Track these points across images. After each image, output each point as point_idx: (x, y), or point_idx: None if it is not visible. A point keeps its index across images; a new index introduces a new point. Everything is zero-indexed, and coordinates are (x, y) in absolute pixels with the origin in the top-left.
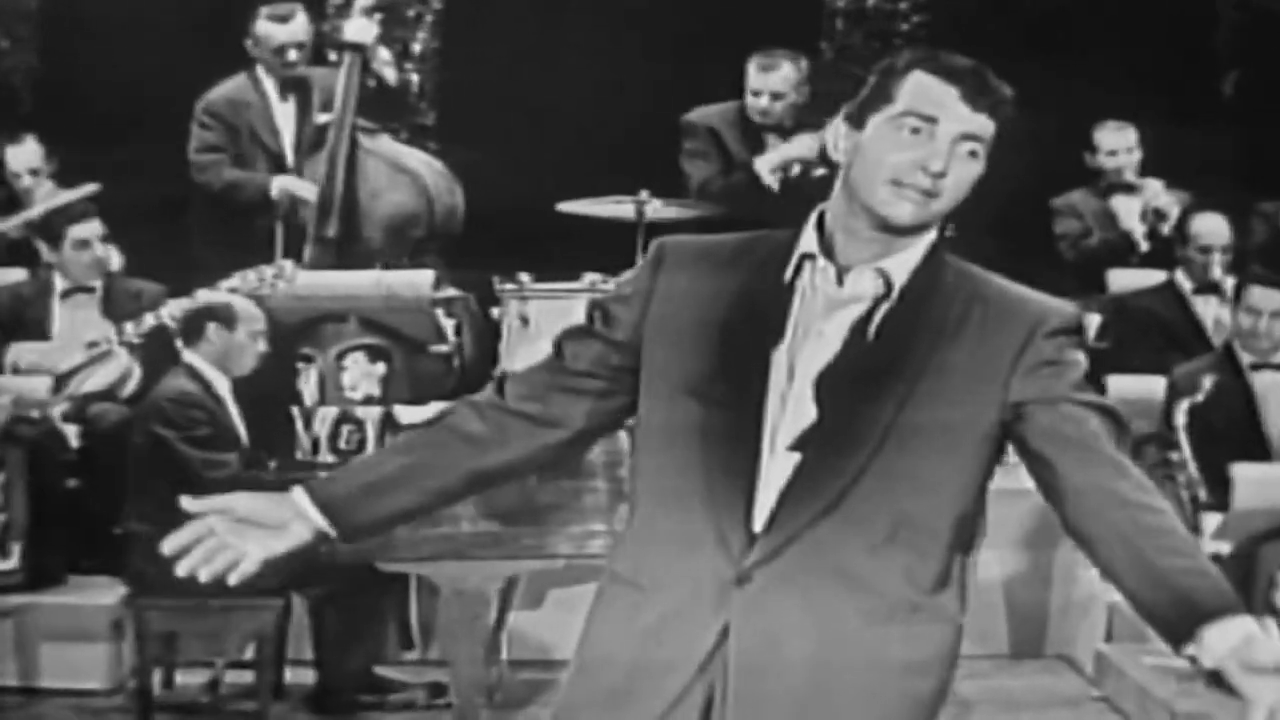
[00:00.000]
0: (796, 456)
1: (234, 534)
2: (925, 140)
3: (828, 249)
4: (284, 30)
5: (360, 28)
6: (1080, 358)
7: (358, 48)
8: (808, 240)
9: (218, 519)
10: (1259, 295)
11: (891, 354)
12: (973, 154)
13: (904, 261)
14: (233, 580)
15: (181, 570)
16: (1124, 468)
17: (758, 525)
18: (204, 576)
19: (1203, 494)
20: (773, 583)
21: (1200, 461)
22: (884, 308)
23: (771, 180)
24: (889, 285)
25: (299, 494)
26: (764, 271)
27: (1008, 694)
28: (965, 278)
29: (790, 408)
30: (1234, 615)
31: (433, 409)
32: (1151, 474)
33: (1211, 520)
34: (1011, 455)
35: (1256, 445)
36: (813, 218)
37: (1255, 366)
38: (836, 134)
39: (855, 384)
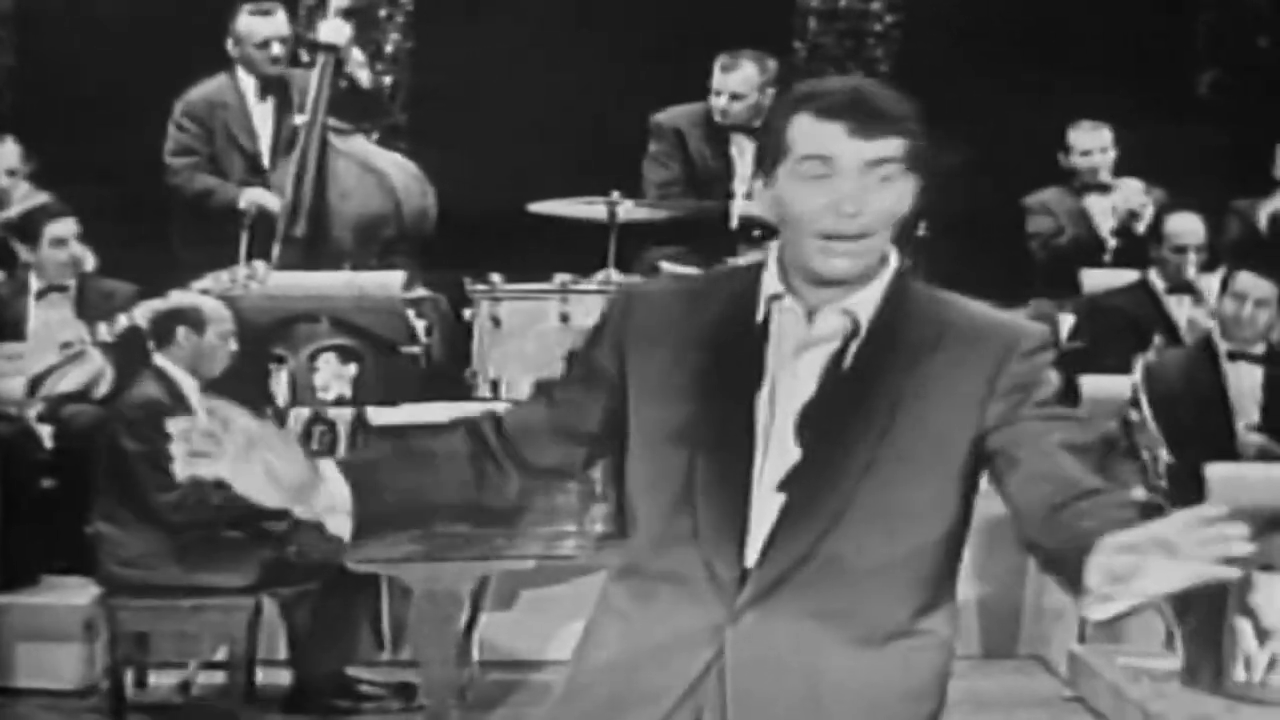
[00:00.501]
0: (783, 497)
1: (242, 456)
2: (831, 182)
3: (791, 288)
4: (267, 24)
5: (334, 29)
6: (1053, 377)
7: (331, 49)
8: (771, 281)
9: (236, 424)
10: (1246, 281)
11: (867, 390)
12: (886, 179)
13: (869, 298)
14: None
15: (174, 436)
16: (1076, 477)
17: (749, 563)
18: (181, 473)
19: (1164, 453)
20: (765, 619)
21: (1171, 454)
22: (854, 346)
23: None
24: (857, 323)
25: (327, 463)
26: (733, 313)
27: (981, 695)
28: (933, 304)
29: (774, 448)
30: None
31: (404, 410)
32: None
33: None
34: None
35: (1227, 439)
36: (772, 256)
37: (1232, 356)
38: (757, 194)
39: (835, 423)
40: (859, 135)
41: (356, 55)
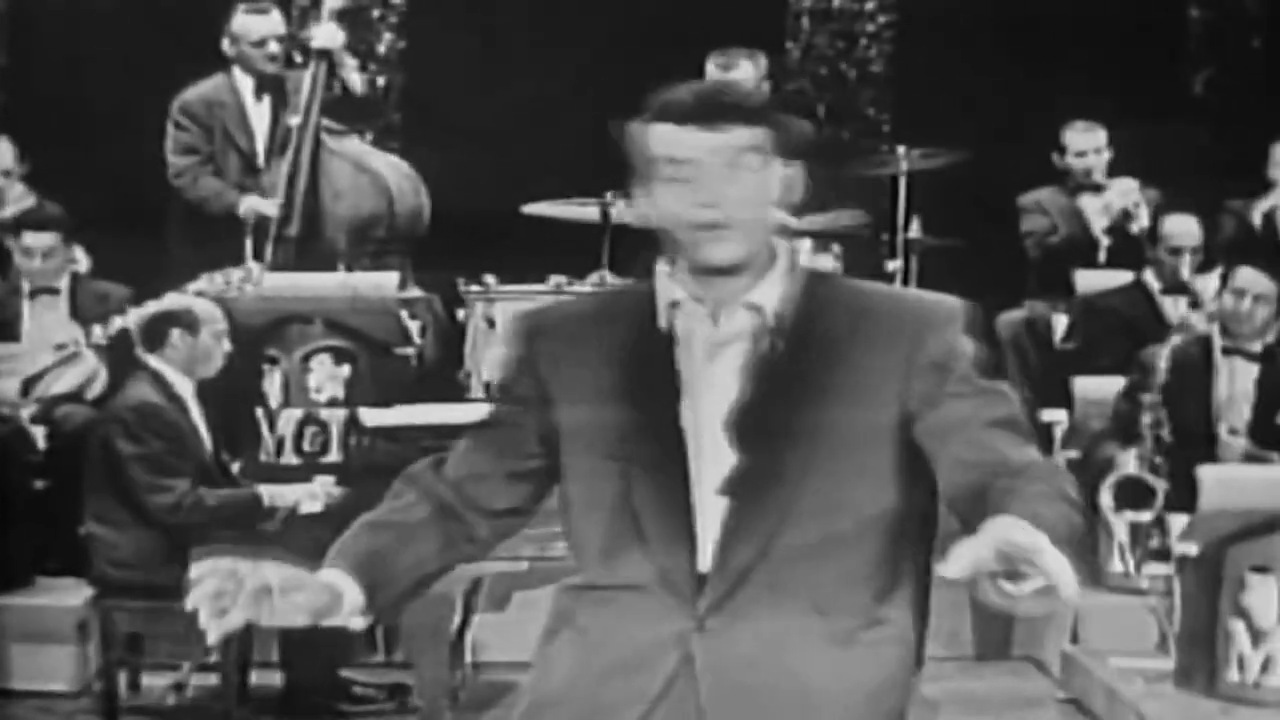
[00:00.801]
0: (726, 500)
1: (253, 598)
2: (689, 179)
3: (692, 292)
4: (263, 23)
5: (328, 34)
6: (968, 348)
7: (324, 54)
8: (668, 287)
9: (250, 577)
10: (1246, 276)
11: (791, 384)
12: (740, 167)
13: (770, 291)
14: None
15: (191, 602)
16: (1002, 442)
17: (701, 568)
18: (213, 637)
19: (1166, 434)
20: (730, 622)
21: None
22: (768, 341)
23: None
24: (763, 317)
25: (338, 579)
26: (638, 326)
27: (974, 695)
28: (840, 291)
29: (707, 454)
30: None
31: (398, 412)
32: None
33: (1178, 522)
34: None
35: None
36: (664, 265)
37: (1227, 351)
38: (636, 205)
39: (765, 421)
40: (705, 129)
41: (349, 60)
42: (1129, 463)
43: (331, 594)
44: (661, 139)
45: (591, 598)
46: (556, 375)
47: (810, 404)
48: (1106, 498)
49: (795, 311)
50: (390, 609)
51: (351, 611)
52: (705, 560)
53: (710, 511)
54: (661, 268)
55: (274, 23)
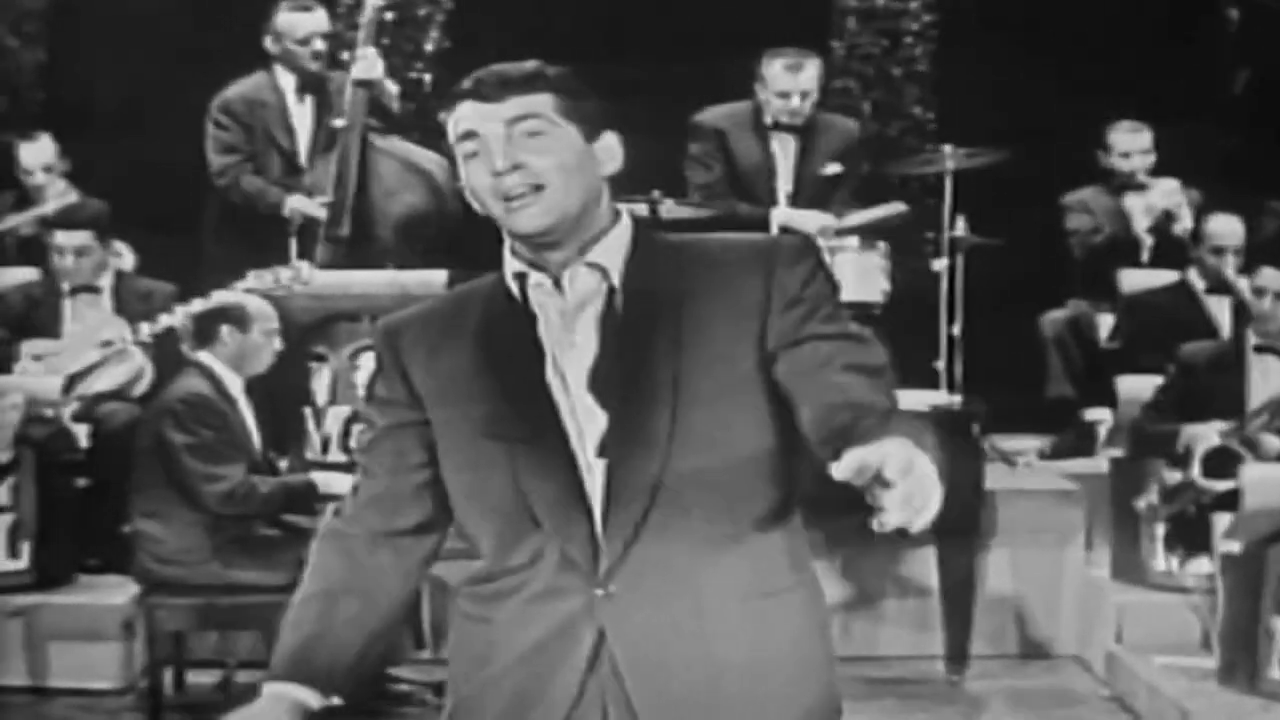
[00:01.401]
0: (604, 462)
1: None
2: (483, 152)
3: (532, 263)
4: (309, 20)
5: (368, 65)
6: (823, 284)
7: (365, 84)
8: (512, 262)
9: None
10: (1269, 276)
11: (647, 338)
12: (533, 133)
13: (612, 249)
14: None
15: None
16: (867, 390)
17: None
18: None
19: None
20: (632, 585)
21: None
22: (617, 300)
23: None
24: (609, 279)
25: (280, 691)
26: (493, 306)
27: (1018, 694)
28: (682, 247)
29: (580, 418)
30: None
31: None
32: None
33: (1221, 520)
34: (1020, 456)
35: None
36: (507, 241)
37: (1259, 349)
38: (460, 189)
39: (627, 378)
40: (491, 101)
41: (390, 89)
42: (1211, 436)
43: (290, 709)
44: (458, 117)
45: (491, 590)
46: (422, 372)
47: (667, 357)
48: (1197, 469)
49: (641, 268)
50: (359, 677)
51: (313, 707)
52: (597, 524)
53: (595, 479)
54: (506, 245)
55: (318, 20)
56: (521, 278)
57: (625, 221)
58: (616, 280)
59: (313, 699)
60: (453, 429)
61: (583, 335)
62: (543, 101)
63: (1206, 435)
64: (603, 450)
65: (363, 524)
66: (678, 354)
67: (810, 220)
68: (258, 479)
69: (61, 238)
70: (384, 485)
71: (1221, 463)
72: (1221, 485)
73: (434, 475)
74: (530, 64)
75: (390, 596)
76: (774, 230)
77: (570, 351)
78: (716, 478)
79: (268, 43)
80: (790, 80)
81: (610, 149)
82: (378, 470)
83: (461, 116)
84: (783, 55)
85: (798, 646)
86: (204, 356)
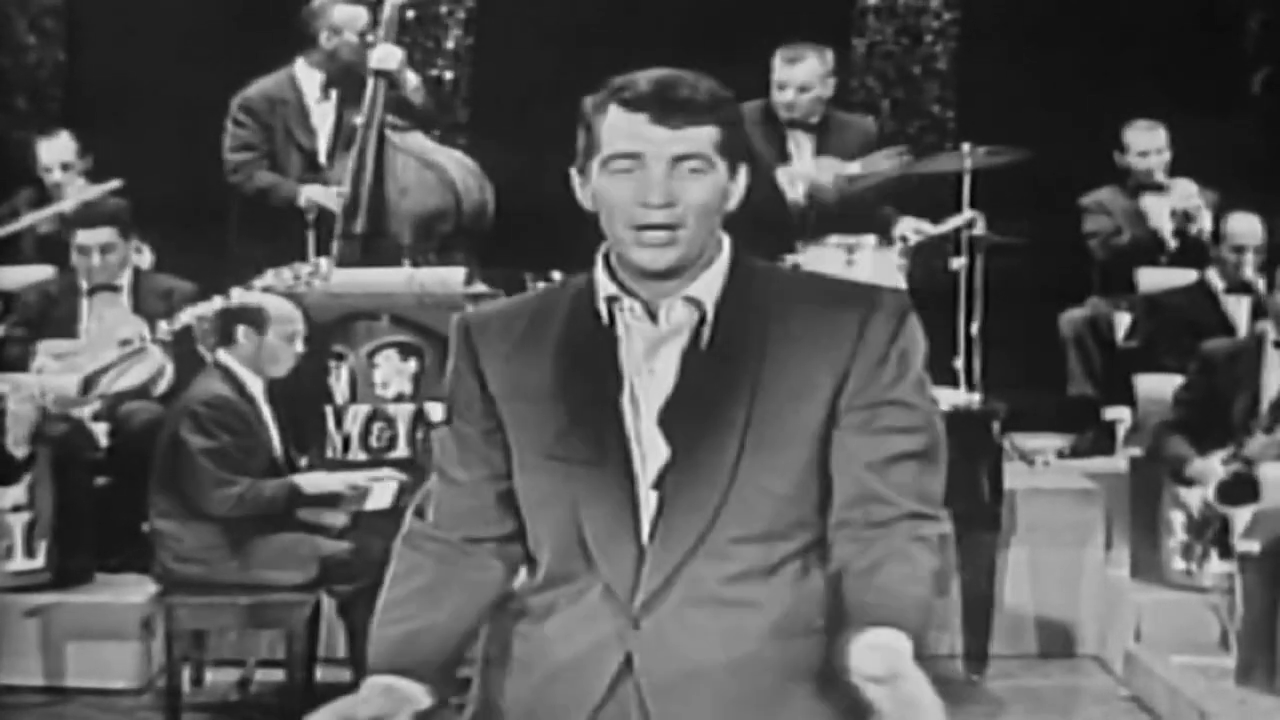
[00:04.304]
0: (656, 495)
1: None
2: (639, 175)
3: (627, 287)
4: (363, 13)
5: (386, 54)
6: (913, 349)
7: (383, 74)
8: (605, 284)
9: None
10: None
11: (726, 377)
12: (696, 171)
13: (711, 283)
14: None
15: None
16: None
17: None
18: None
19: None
20: (666, 619)
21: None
22: (705, 334)
23: (792, 191)
24: (703, 311)
25: (386, 683)
26: (576, 323)
27: (1038, 693)
28: (779, 281)
29: (645, 448)
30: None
31: None
32: None
33: (1241, 518)
34: (1039, 455)
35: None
36: (600, 258)
37: (1279, 345)
38: (576, 185)
39: (698, 415)
40: (664, 125)
41: (411, 80)
42: (1216, 469)
43: (398, 701)
44: (616, 126)
45: (532, 604)
46: (497, 373)
47: (742, 398)
48: (1213, 494)
49: (733, 303)
50: (455, 678)
51: (424, 704)
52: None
53: (647, 510)
54: (600, 260)
55: (365, 13)
56: (612, 300)
57: (725, 251)
58: (710, 314)
59: (419, 693)
60: (520, 444)
61: (663, 365)
62: (708, 136)
63: (1212, 470)
64: (659, 484)
65: (453, 532)
66: (753, 396)
67: (824, 168)
68: (263, 483)
69: (85, 235)
70: (469, 494)
71: (1237, 489)
72: (1244, 510)
73: (513, 484)
74: (705, 88)
75: (485, 598)
76: (783, 184)
77: (647, 379)
78: (764, 523)
79: (322, 39)
80: (787, 73)
81: (740, 186)
82: (461, 477)
83: (621, 129)
84: (786, 48)
85: (825, 687)
86: (223, 356)
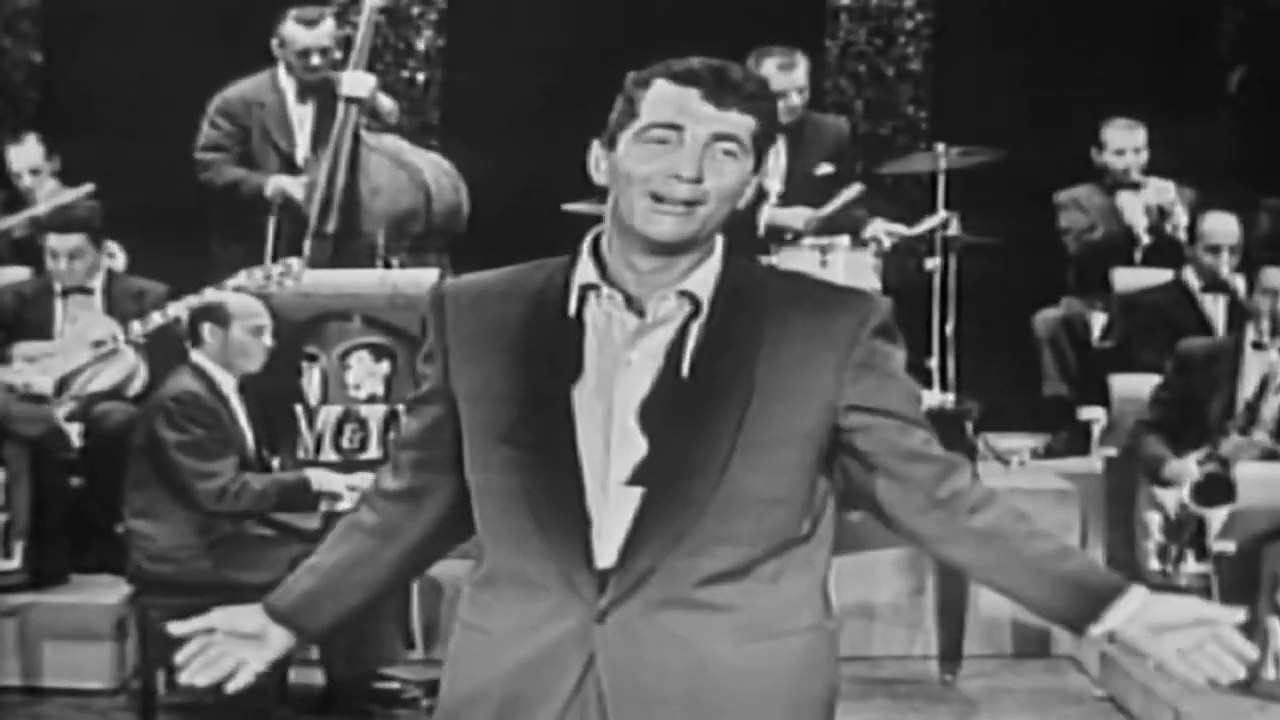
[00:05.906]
0: (638, 491)
1: (233, 645)
2: (674, 148)
3: (610, 277)
4: (309, 35)
5: (356, 82)
6: (900, 353)
7: (355, 101)
8: (586, 270)
9: (221, 630)
10: (1273, 276)
11: (715, 374)
12: (729, 154)
13: (704, 279)
14: (231, 687)
15: (184, 678)
16: (960, 476)
17: (603, 562)
18: (201, 681)
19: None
20: (634, 618)
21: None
22: (695, 328)
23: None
24: (696, 305)
25: (261, 610)
26: (543, 305)
27: (1012, 693)
28: (772, 281)
29: (616, 443)
30: (1126, 589)
31: None
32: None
33: (1217, 518)
34: (1014, 455)
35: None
36: (587, 244)
37: (1257, 345)
38: (595, 158)
39: (683, 411)
40: (712, 102)
41: (385, 104)
42: (1192, 470)
43: (262, 622)
44: (664, 98)
45: (493, 595)
46: (459, 357)
47: (735, 398)
48: (1188, 495)
49: (727, 300)
50: (325, 632)
51: (283, 643)
52: (610, 551)
53: (617, 505)
54: (587, 245)
55: (319, 35)
56: (588, 288)
57: (719, 248)
58: (704, 309)
59: (282, 632)
60: (474, 422)
61: (642, 357)
62: (748, 125)
63: (1188, 470)
64: (637, 479)
65: (393, 482)
66: (748, 397)
67: (796, 218)
68: (251, 476)
69: (55, 241)
70: (414, 449)
71: (1212, 489)
72: (1219, 510)
73: (451, 462)
74: (756, 80)
75: (402, 546)
76: (761, 230)
77: (623, 371)
78: (747, 525)
79: (274, 45)
80: (785, 79)
81: (754, 186)
82: (413, 433)
83: (668, 100)
84: (776, 54)
85: (796, 688)
86: (195, 355)
